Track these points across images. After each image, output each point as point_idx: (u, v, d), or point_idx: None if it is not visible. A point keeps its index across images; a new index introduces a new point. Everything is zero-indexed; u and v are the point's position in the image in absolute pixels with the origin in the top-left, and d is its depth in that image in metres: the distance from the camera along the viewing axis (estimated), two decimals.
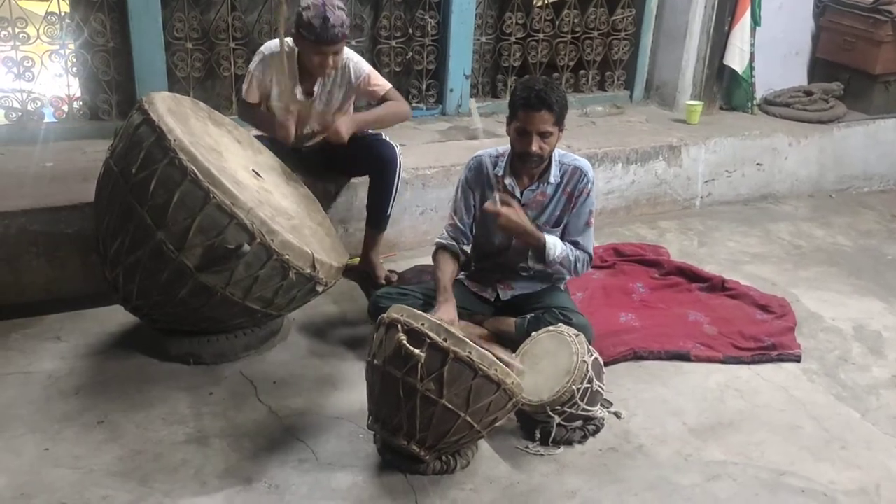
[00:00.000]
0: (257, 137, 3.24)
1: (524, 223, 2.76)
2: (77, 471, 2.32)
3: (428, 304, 2.76)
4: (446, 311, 2.65)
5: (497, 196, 2.74)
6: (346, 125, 3.22)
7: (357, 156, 3.34)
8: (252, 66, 3.26)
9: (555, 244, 2.81)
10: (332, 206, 3.52)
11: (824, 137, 4.87)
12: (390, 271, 3.47)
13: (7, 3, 3.57)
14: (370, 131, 3.39)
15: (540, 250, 2.81)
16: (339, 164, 3.47)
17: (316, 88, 3.28)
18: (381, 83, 3.34)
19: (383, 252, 3.56)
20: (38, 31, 3.65)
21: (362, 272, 3.46)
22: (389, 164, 3.28)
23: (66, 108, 3.82)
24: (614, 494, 2.36)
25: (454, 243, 2.89)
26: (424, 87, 4.46)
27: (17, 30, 3.60)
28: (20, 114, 3.72)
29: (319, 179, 3.45)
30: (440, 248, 2.90)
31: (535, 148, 2.68)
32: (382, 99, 3.34)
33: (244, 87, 3.31)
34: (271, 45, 3.24)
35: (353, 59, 3.29)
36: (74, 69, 3.80)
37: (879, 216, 4.70)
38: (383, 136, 3.38)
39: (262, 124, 3.33)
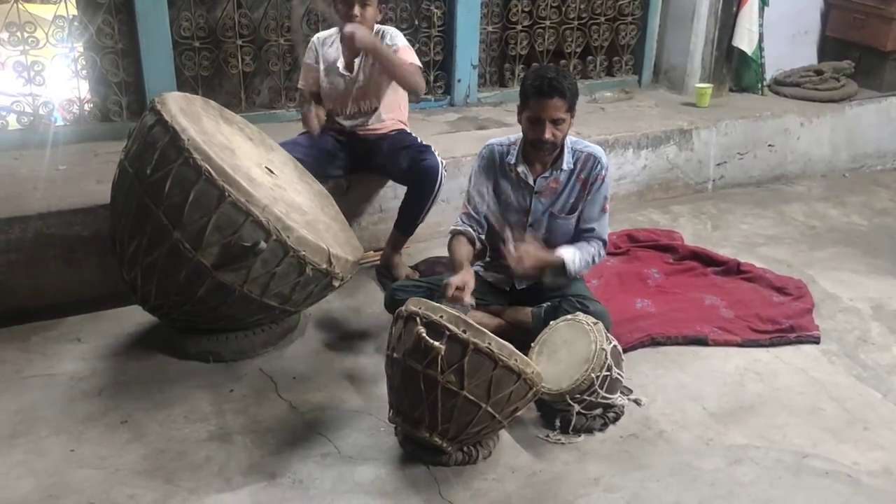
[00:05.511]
0: (305, 133, 3.39)
1: (541, 256, 2.76)
2: (103, 471, 2.34)
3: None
4: (463, 275, 2.66)
5: (510, 240, 2.72)
6: (361, 29, 3.07)
7: (399, 162, 3.30)
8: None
9: (572, 258, 2.82)
10: (345, 201, 3.52)
11: (836, 116, 4.84)
12: (412, 267, 3.46)
13: (15, 8, 3.58)
14: (419, 140, 3.36)
15: (560, 269, 2.82)
16: (378, 166, 3.43)
17: (356, 62, 3.31)
18: (412, 59, 3.28)
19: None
20: (46, 34, 3.66)
21: (381, 266, 3.46)
22: (430, 180, 3.22)
23: (75, 109, 3.83)
24: (637, 481, 2.36)
25: (470, 230, 2.89)
26: (432, 78, 4.45)
27: (25, 34, 3.61)
28: (31, 118, 3.74)
29: (340, 174, 3.49)
30: (456, 233, 2.91)
31: (548, 135, 2.68)
32: None
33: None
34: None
35: (389, 31, 3.33)
36: (84, 71, 3.81)
37: (894, 194, 4.66)
38: (431, 149, 3.28)
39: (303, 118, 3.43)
